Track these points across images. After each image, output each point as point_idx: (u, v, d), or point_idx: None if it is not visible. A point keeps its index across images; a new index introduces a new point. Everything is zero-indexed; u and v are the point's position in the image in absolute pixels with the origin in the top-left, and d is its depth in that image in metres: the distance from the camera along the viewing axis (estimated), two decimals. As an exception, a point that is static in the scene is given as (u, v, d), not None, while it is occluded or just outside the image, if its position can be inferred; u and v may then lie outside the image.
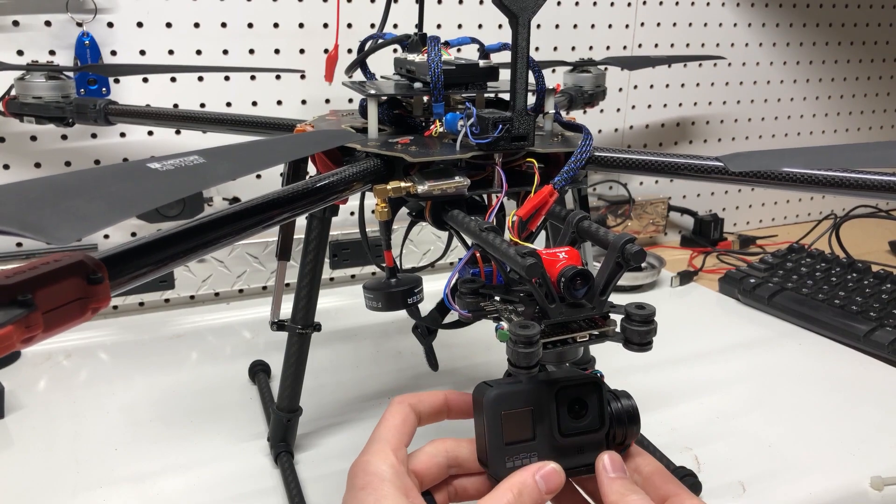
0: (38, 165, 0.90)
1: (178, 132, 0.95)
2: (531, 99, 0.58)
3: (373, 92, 0.57)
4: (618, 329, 0.47)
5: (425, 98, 0.61)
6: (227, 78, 0.95)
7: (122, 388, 0.79)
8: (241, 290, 1.03)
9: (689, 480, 0.59)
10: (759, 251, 1.26)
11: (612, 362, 0.83)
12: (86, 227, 0.30)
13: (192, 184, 0.35)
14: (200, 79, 0.94)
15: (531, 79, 0.56)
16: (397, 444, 0.47)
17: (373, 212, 0.53)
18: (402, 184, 0.51)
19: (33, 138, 0.89)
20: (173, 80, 0.93)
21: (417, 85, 0.62)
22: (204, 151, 0.37)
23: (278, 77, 0.98)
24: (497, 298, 0.51)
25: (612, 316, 0.48)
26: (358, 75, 0.66)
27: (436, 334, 0.66)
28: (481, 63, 0.60)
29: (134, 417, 0.73)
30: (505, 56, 0.55)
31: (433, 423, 0.49)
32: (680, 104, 1.26)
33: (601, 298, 0.47)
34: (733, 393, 0.78)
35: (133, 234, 0.97)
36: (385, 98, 0.62)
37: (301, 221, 0.62)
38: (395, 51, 0.65)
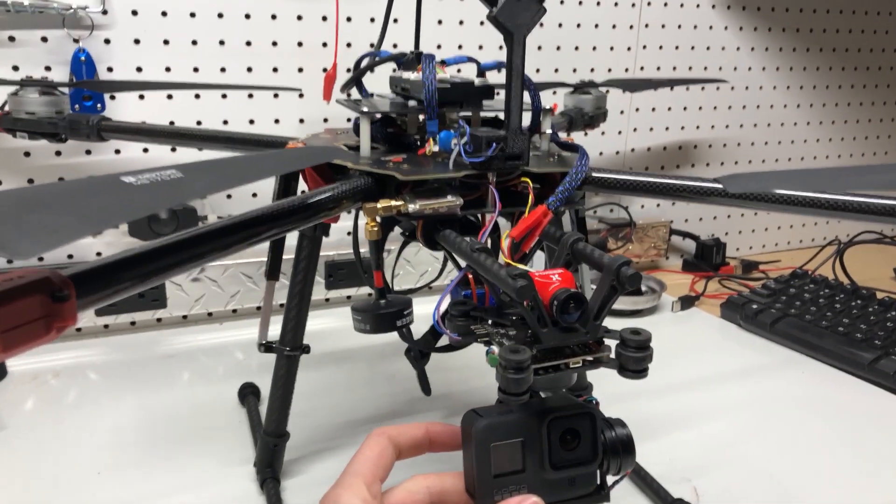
0: (31, 181, 0.89)
1: (173, 149, 0.94)
2: (527, 118, 0.57)
3: (365, 109, 0.56)
4: (613, 355, 0.45)
5: (420, 116, 0.60)
6: (224, 96, 0.95)
7: (109, 408, 0.77)
8: (234, 311, 1.01)
9: (688, 513, 0.58)
10: (761, 276, 1.24)
11: (609, 388, 0.81)
12: (51, 241, 0.29)
13: (168, 198, 0.34)
14: (197, 96, 0.93)
15: (527, 98, 0.55)
16: (371, 479, 0.45)
17: (367, 231, 0.52)
18: (393, 202, 0.50)
19: (27, 154, 0.88)
20: (170, 97, 0.92)
21: (412, 103, 0.61)
22: (182, 166, 0.36)
23: (276, 95, 0.97)
24: (489, 322, 0.50)
25: (607, 341, 0.46)
26: (354, 93, 0.65)
27: (429, 357, 0.64)
28: (477, 81, 0.59)
29: (119, 439, 0.72)
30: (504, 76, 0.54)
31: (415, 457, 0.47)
32: (682, 127, 1.25)
33: (595, 323, 0.45)
34: (734, 421, 0.76)
35: (126, 252, 0.96)
36: (379, 116, 0.61)
37: (292, 241, 0.61)
38: (394, 70, 0.64)
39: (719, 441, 0.72)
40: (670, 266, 1.29)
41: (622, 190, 0.59)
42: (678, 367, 0.89)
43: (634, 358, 0.44)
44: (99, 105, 0.86)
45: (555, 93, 1.06)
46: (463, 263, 0.50)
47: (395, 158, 0.54)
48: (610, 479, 0.50)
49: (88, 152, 0.90)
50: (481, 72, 0.63)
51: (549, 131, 0.61)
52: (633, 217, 1.22)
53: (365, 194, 0.50)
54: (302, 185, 0.60)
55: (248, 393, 0.78)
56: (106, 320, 0.93)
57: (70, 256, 0.93)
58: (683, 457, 0.69)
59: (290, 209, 0.45)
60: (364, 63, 0.63)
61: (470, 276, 0.51)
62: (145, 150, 0.93)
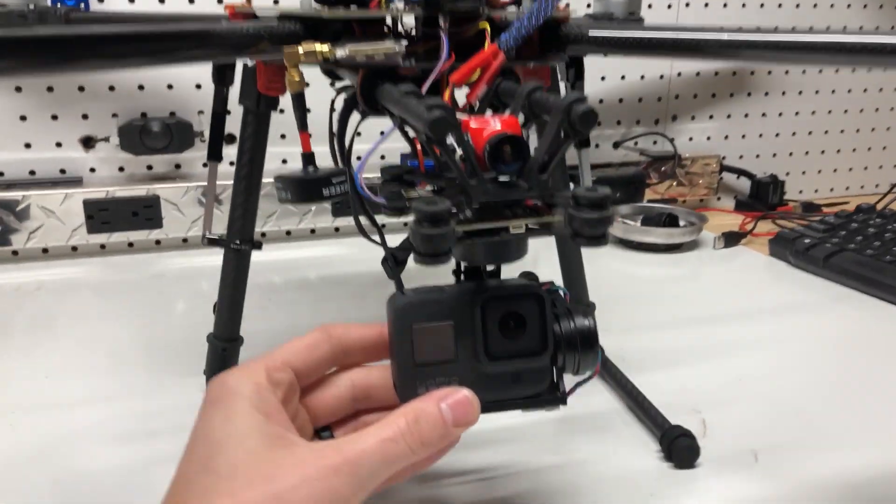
0: (18, 90, 0.85)
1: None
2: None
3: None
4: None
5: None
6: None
7: (83, 320, 0.73)
8: (236, 235, 0.96)
9: (684, 441, 0.48)
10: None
11: (623, 320, 0.72)
12: None
13: None
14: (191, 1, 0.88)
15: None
16: (281, 366, 0.38)
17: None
18: (318, 46, 0.42)
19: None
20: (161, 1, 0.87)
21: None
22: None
23: None
24: (428, 188, 0.42)
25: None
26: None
27: (405, 264, 0.58)
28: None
29: (82, 347, 0.67)
30: None
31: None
32: (737, 50, 1.12)
33: (541, 178, 0.37)
34: (764, 356, 0.65)
35: (121, 169, 0.92)
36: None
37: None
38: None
39: (743, 375, 0.62)
40: (721, 206, 1.16)
41: (626, 49, 0.48)
42: (711, 302, 0.79)
43: (588, 220, 0.35)
44: (83, 5, 0.81)
45: None
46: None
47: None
48: (572, 382, 0.42)
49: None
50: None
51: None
52: (679, 150, 1.11)
53: (287, 37, 0.42)
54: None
55: (222, 308, 0.72)
56: (100, 239, 0.89)
57: (63, 171, 0.89)
58: (696, 388, 0.59)
59: (185, 34, 0.38)
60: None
61: (418, 144, 0.43)
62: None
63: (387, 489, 0.44)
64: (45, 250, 0.89)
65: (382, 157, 0.90)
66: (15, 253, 0.88)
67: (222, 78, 0.52)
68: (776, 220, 1.07)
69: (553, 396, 0.40)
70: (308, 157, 0.45)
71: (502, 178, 0.37)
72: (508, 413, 0.55)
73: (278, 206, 0.94)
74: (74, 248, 0.90)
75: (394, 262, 0.59)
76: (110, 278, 0.85)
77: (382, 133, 0.41)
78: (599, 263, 0.89)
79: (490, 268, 0.41)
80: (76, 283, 0.83)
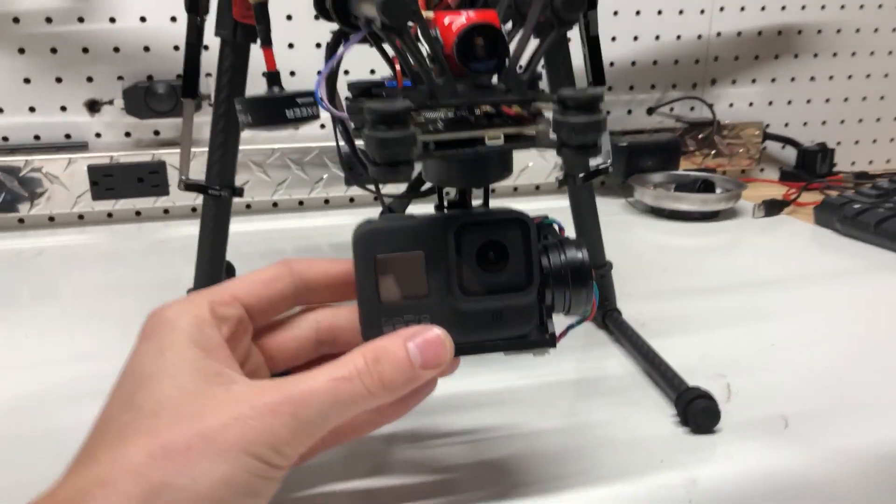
0: (21, 51, 0.83)
1: (173, 19, 0.85)
2: None
3: None
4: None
5: None
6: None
7: (79, 286, 0.70)
8: (248, 206, 0.92)
9: (701, 403, 0.42)
10: (878, 189, 1.02)
11: (647, 287, 0.66)
12: None
13: None
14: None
15: None
16: (228, 299, 0.33)
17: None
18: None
19: (16, 20, 0.82)
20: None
21: None
22: None
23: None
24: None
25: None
26: None
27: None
28: None
29: (68, 306, 0.64)
30: None
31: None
32: (783, 7, 1.04)
33: (521, 77, 0.31)
34: (802, 323, 0.59)
35: (127, 134, 0.89)
36: None
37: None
38: None
39: (776, 340, 0.55)
40: (764, 178, 1.08)
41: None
42: (748, 270, 0.72)
43: (576, 125, 0.30)
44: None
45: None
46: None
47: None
48: (565, 323, 0.36)
49: (81, 20, 0.83)
50: None
51: None
52: (719, 117, 1.03)
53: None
54: None
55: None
56: (106, 206, 0.87)
57: (68, 136, 0.87)
58: (722, 354, 0.53)
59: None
60: None
61: (396, 64, 0.38)
62: (142, 20, 0.85)
63: (358, 444, 0.39)
64: (51, 218, 0.87)
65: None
66: (21, 221, 0.86)
67: (195, 4, 0.48)
68: (824, 190, 0.98)
69: (540, 339, 0.34)
70: (272, 77, 0.41)
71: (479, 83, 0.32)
72: (508, 374, 0.50)
73: (289, 173, 0.90)
74: (81, 217, 0.88)
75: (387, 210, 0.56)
76: (114, 247, 0.82)
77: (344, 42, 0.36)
78: (626, 232, 0.83)
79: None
80: (78, 251, 0.80)
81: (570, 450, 0.41)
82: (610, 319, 0.56)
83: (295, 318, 0.37)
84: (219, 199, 0.51)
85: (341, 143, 0.44)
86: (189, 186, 0.51)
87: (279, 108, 0.39)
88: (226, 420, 0.28)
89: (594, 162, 0.56)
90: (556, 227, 0.36)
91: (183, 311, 0.32)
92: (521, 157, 0.96)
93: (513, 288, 0.33)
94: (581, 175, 0.55)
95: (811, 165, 1.04)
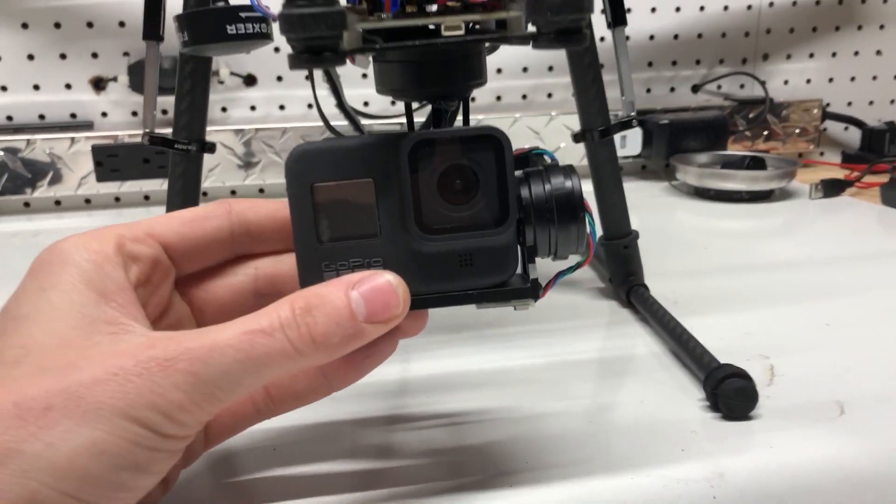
0: (25, 26, 0.80)
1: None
2: None
3: None
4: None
5: None
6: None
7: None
8: (261, 190, 0.87)
9: (734, 383, 0.34)
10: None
11: (682, 265, 0.58)
12: None
13: None
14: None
15: None
16: (142, 236, 0.28)
17: None
18: None
19: (20, -7, 0.79)
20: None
21: None
22: None
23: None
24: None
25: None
26: None
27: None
28: None
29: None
30: None
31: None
32: (843, -27, 0.95)
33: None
34: (863, 301, 0.50)
35: (134, 113, 0.85)
36: None
37: None
38: None
39: (831, 320, 0.47)
40: (824, 161, 0.99)
41: None
42: (802, 248, 0.64)
43: (551, 3, 0.23)
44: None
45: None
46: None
47: None
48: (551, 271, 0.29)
49: (88, -8, 0.80)
50: None
51: None
52: (772, 95, 0.94)
53: None
54: None
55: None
56: (112, 188, 0.83)
57: (73, 115, 0.83)
58: (766, 333, 0.45)
59: None
60: None
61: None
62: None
63: (300, 418, 0.31)
64: (57, 202, 0.84)
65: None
66: (27, 205, 0.83)
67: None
68: (892, 170, 0.88)
69: (520, 288, 0.27)
70: (216, -10, 0.35)
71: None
72: (514, 352, 0.43)
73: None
74: (88, 201, 0.85)
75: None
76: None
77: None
78: (665, 213, 0.75)
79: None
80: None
81: (576, 435, 0.33)
82: (635, 296, 0.49)
83: (229, 266, 0.31)
84: (187, 154, 0.46)
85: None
86: (154, 140, 0.46)
87: (220, 24, 0.33)
88: (101, 375, 0.22)
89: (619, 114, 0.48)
90: (548, 159, 0.30)
91: (80, 246, 0.26)
92: (547, 132, 0.88)
93: (484, 225, 0.27)
94: (600, 128, 0.48)
95: (878, 147, 0.94)
